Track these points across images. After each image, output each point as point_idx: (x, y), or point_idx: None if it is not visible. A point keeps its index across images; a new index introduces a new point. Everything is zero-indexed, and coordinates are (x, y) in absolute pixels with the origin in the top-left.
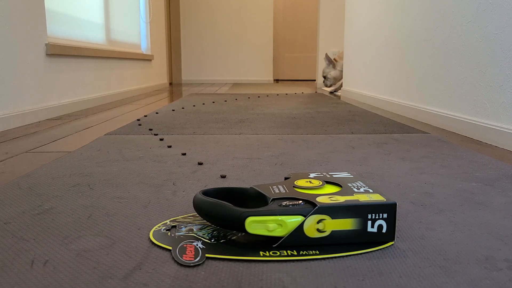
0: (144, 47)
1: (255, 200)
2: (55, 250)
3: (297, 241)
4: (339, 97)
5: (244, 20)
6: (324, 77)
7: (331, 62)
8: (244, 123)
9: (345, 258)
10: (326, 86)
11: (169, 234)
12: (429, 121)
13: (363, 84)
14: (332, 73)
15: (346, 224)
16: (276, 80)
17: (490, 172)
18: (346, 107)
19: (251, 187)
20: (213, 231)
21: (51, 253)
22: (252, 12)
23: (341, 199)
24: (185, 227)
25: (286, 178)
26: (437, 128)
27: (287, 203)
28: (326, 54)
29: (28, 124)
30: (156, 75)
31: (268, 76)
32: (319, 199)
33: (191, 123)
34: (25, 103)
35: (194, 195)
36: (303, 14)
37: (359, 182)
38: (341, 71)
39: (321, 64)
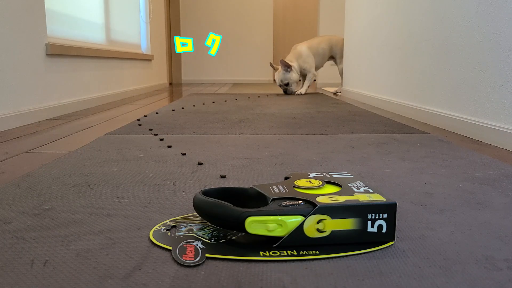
0: (144, 47)
1: (255, 200)
2: (55, 250)
3: (297, 241)
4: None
5: (244, 20)
6: (287, 84)
7: (289, 67)
8: (244, 123)
9: (345, 258)
10: (292, 93)
11: (169, 234)
12: (429, 121)
13: (363, 84)
14: (294, 77)
15: (346, 224)
16: None
17: (490, 172)
18: (346, 107)
19: (251, 187)
20: (213, 231)
21: (51, 253)
22: (252, 12)
23: (341, 199)
24: (185, 227)
25: (286, 178)
26: (437, 128)
27: (287, 203)
28: (282, 60)
29: (28, 124)
30: (156, 75)
31: (268, 76)
32: (319, 199)
33: (191, 123)
34: (25, 103)
35: (194, 195)
36: (303, 14)
37: (359, 182)
38: (298, 73)
39: None
